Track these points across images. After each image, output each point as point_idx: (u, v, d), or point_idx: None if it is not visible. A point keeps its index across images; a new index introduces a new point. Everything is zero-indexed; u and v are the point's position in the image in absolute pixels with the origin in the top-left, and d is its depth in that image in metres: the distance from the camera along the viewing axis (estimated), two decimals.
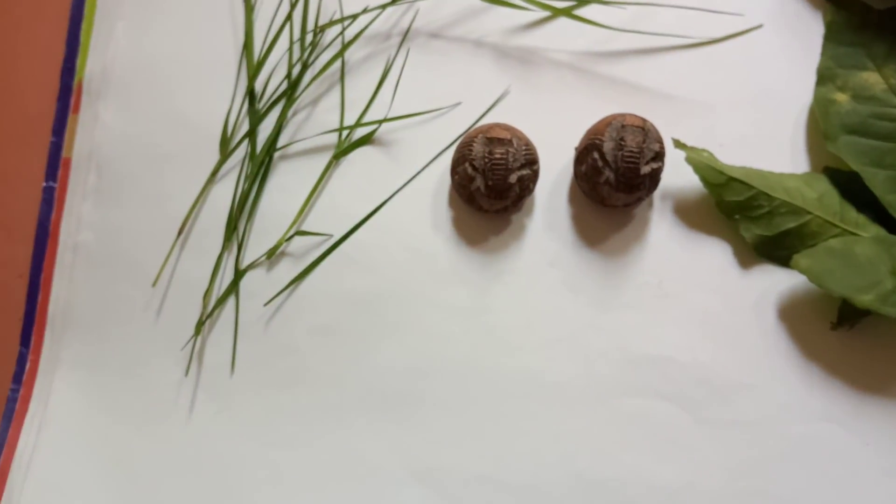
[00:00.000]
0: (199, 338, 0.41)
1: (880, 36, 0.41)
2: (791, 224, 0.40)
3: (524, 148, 0.40)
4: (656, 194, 0.42)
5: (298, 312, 0.41)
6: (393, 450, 0.40)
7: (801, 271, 0.39)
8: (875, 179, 0.40)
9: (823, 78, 0.42)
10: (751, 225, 0.41)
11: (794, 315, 0.41)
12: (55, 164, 0.43)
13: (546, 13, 0.44)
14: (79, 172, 0.43)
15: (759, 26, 0.44)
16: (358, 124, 0.43)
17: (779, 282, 0.41)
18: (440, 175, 0.43)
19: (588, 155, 0.40)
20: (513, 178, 0.40)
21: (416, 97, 0.43)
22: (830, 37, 0.42)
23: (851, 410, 0.40)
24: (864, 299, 0.38)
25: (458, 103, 0.43)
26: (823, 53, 0.42)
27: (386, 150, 0.43)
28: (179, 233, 0.42)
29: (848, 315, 0.40)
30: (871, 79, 0.41)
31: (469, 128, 0.43)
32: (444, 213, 0.43)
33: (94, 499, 0.38)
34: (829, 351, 0.41)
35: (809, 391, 0.40)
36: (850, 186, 0.41)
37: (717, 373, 0.41)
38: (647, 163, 0.39)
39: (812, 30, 0.43)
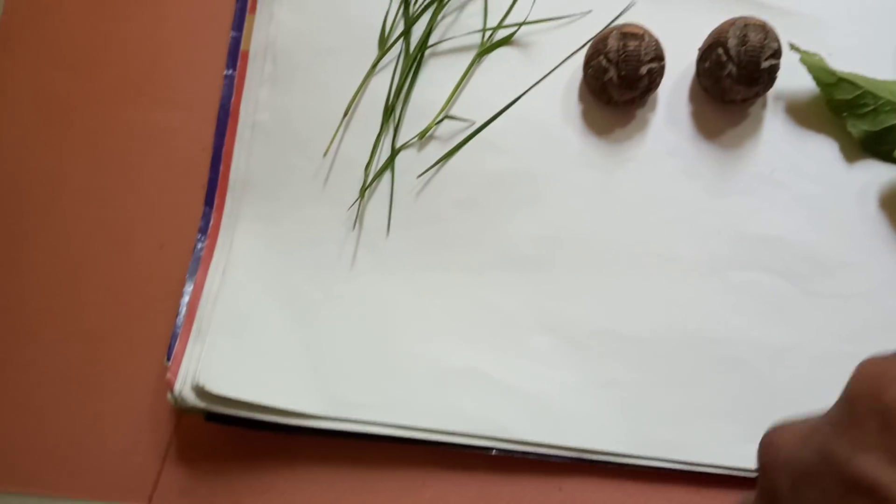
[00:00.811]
0: (361, 203, 0.46)
1: None
2: (894, 121, 0.44)
3: (654, 43, 0.44)
4: (770, 95, 0.46)
5: (444, 186, 0.46)
6: (525, 303, 0.44)
7: None
8: None
9: None
10: (857, 121, 0.44)
11: (892, 204, 0.44)
12: (235, 55, 0.49)
13: None
14: (256, 62, 0.49)
15: None
16: (499, 26, 0.48)
17: (881, 174, 0.45)
18: (572, 73, 0.48)
19: (713, 51, 0.44)
20: (643, 69, 0.44)
21: (552, 3, 0.48)
22: None
23: None
24: None
25: (589, 11, 0.48)
26: None
27: (524, 50, 0.48)
28: (345, 115, 0.47)
29: None
30: None
31: (598, 33, 0.47)
32: (574, 107, 0.47)
33: (271, 329, 0.44)
34: None
35: None
36: None
37: (821, 252, 0.44)
38: (766, 59, 0.43)
39: None
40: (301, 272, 0.45)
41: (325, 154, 0.47)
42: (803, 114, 0.46)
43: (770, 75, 0.44)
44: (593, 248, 0.45)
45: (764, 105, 0.46)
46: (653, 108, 0.47)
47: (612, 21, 0.47)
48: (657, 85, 0.45)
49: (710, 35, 0.45)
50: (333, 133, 0.47)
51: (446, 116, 0.47)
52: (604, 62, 0.44)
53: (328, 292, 0.45)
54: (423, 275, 0.45)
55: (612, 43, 0.44)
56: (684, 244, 0.45)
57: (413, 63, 0.48)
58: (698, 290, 0.44)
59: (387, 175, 0.47)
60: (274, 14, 0.49)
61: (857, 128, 0.44)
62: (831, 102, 0.44)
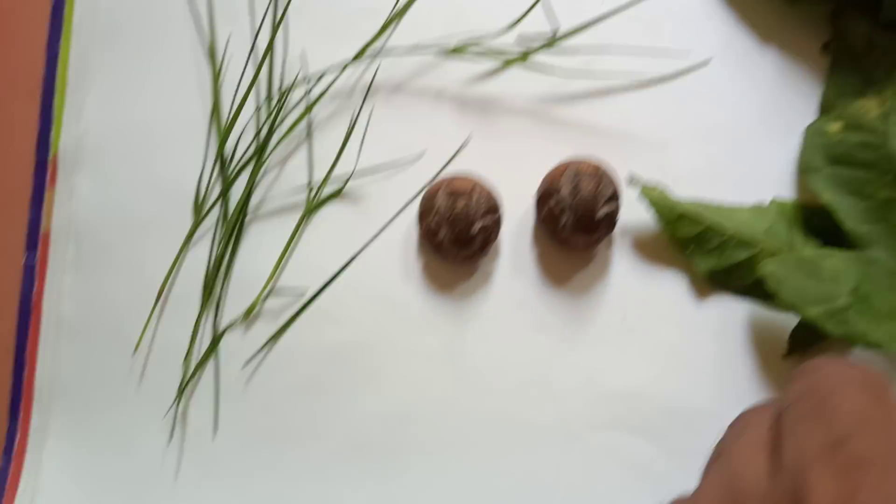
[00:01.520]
0: (182, 402, 0.41)
1: (885, 55, 0.41)
2: (742, 256, 0.41)
3: (486, 197, 0.41)
4: (616, 232, 0.43)
5: (277, 370, 0.42)
6: (373, 498, 0.40)
7: (764, 276, 0.38)
8: (853, 210, 0.40)
9: (824, 108, 0.42)
10: (704, 258, 0.41)
11: (752, 343, 0.42)
12: (34, 239, 0.44)
13: (501, 62, 0.45)
14: (58, 245, 0.43)
15: (707, 62, 0.44)
16: (326, 181, 0.43)
17: (735, 311, 0.42)
18: (408, 225, 0.44)
19: (546, 201, 0.41)
20: (475, 227, 0.40)
21: (382, 150, 0.44)
22: (836, 64, 0.42)
23: None
24: (812, 312, 0.37)
25: (423, 153, 0.44)
26: (827, 82, 0.42)
27: (355, 203, 0.44)
28: (158, 298, 0.42)
29: (797, 342, 0.41)
30: (868, 104, 0.41)
31: (434, 177, 0.44)
32: (413, 262, 0.43)
33: None
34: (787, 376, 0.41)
35: None
36: (803, 216, 0.42)
37: (681, 403, 0.41)
38: (602, 206, 0.40)
39: (758, 64, 0.44)
40: (120, 494, 0.40)
41: (135, 350, 0.42)
42: (651, 250, 0.43)
43: (609, 220, 0.41)
44: (445, 424, 0.41)
45: (611, 243, 0.43)
46: (496, 256, 0.43)
47: (443, 168, 0.44)
48: (495, 237, 0.42)
49: (543, 181, 0.42)
50: (146, 320, 0.42)
51: (273, 290, 0.42)
52: (434, 222, 0.41)
53: None
54: (258, 480, 0.40)
55: (441, 201, 0.40)
56: (540, 407, 0.41)
57: (233, 229, 0.43)
58: (559, 459, 0.41)
59: (211, 364, 0.42)
60: (75, 187, 0.44)
61: (704, 265, 0.41)
62: (675, 239, 0.41)
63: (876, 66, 0.41)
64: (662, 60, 0.44)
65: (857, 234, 0.40)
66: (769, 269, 0.39)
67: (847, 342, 0.40)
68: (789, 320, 0.42)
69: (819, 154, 0.41)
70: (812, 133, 0.42)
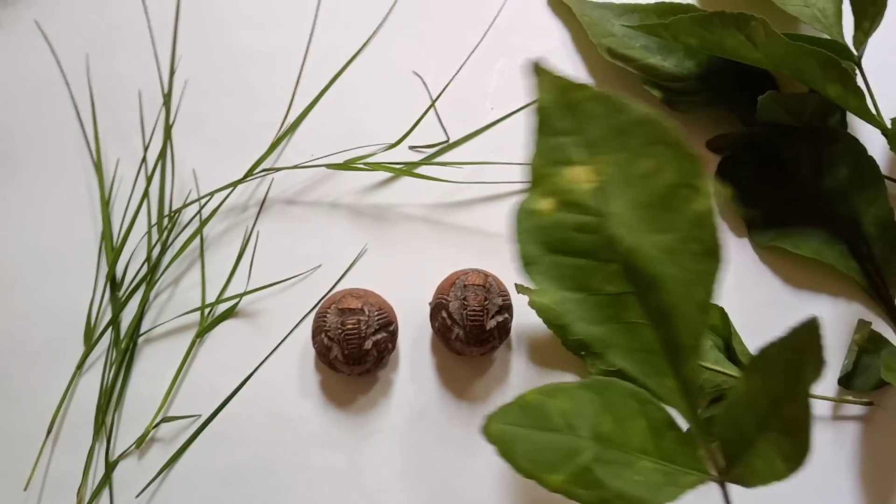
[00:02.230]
0: None
1: (594, 116, 0.31)
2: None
3: (377, 312, 0.41)
4: (514, 334, 0.43)
5: (173, 497, 0.41)
6: None
7: (490, 441, 0.31)
8: (581, 309, 0.32)
9: (534, 181, 0.32)
10: (596, 361, 0.42)
11: None
12: None
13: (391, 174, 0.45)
14: None
15: None
16: (219, 300, 0.43)
17: None
18: (305, 340, 0.43)
19: (438, 313, 0.41)
20: (368, 344, 0.40)
21: (277, 264, 0.44)
22: (540, 127, 0.32)
23: None
24: (554, 480, 0.30)
25: (318, 266, 0.44)
26: (535, 147, 0.32)
27: (249, 321, 0.43)
28: (49, 430, 0.41)
29: None
30: (581, 175, 0.31)
31: (328, 291, 0.44)
32: (311, 378, 0.43)
33: None
34: None
35: None
36: None
37: None
38: (492, 317, 0.40)
39: None
40: None
41: (27, 484, 0.41)
42: (547, 352, 0.43)
43: (501, 330, 0.41)
44: None
45: (509, 347, 0.43)
46: (395, 366, 0.43)
47: (340, 279, 0.44)
48: (390, 350, 0.41)
49: (435, 292, 0.42)
50: (38, 454, 0.41)
51: (165, 417, 0.42)
52: (326, 340, 0.40)
53: None
54: None
55: (332, 319, 0.40)
56: None
57: (125, 355, 0.42)
58: None
59: (105, 495, 0.41)
60: None
61: (597, 368, 0.42)
62: (567, 343, 0.42)
63: (587, 124, 0.32)
64: None
65: (592, 339, 0.32)
66: (493, 430, 0.31)
67: None
68: None
69: (533, 240, 0.32)
70: (522, 214, 0.32)
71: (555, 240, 0.32)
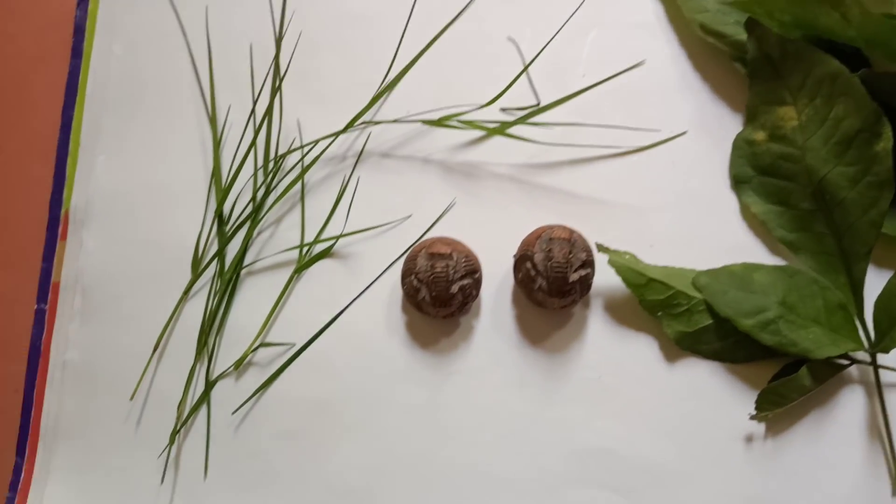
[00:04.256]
0: (175, 446, 0.44)
1: (797, 67, 0.43)
2: (709, 320, 0.43)
3: (464, 260, 0.43)
4: (592, 293, 0.45)
5: (265, 418, 0.44)
6: None
7: (699, 288, 0.42)
8: (781, 219, 0.43)
9: (749, 116, 0.44)
10: (672, 321, 0.43)
11: (721, 404, 0.43)
12: (45, 288, 0.47)
13: (485, 132, 0.47)
14: (66, 295, 0.46)
15: (684, 133, 0.46)
16: (317, 240, 0.46)
17: (705, 373, 0.43)
18: (393, 283, 0.46)
19: (523, 264, 0.43)
20: (454, 288, 0.42)
21: (370, 212, 0.47)
22: (754, 73, 0.44)
23: (782, 495, 0.42)
24: (746, 323, 0.41)
25: (409, 216, 0.47)
26: (750, 91, 0.44)
27: (344, 262, 0.46)
28: (155, 348, 0.45)
29: (765, 403, 0.42)
30: (787, 114, 0.43)
31: (418, 238, 0.46)
32: (397, 319, 0.45)
33: None
34: (756, 437, 0.42)
35: (741, 477, 0.42)
36: None
37: (656, 462, 0.43)
38: (575, 271, 0.42)
39: (731, 134, 0.46)
40: None
41: (132, 396, 0.44)
42: (623, 312, 0.45)
43: (583, 284, 0.42)
44: (422, 476, 0.43)
45: (587, 304, 0.45)
46: (476, 314, 0.45)
47: (428, 230, 0.46)
48: (474, 297, 0.44)
49: (520, 245, 0.44)
50: (144, 368, 0.45)
51: (263, 343, 0.45)
52: (415, 282, 0.43)
53: None
54: None
55: (421, 263, 0.43)
56: (517, 462, 0.43)
57: (228, 285, 0.46)
58: None
59: (203, 411, 0.44)
60: (84, 242, 0.47)
61: (673, 328, 0.43)
62: (644, 303, 0.43)
63: (791, 73, 0.43)
64: (639, 131, 0.47)
65: (787, 242, 0.43)
66: (703, 281, 0.42)
67: (780, 352, 0.41)
68: (757, 381, 0.43)
69: (747, 164, 0.44)
70: (740, 143, 0.44)
71: (765, 165, 0.43)
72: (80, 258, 0.47)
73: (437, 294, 0.42)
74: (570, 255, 0.42)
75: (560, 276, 0.41)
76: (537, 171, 0.47)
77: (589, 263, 0.42)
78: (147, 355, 0.45)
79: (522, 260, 0.43)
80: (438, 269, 0.42)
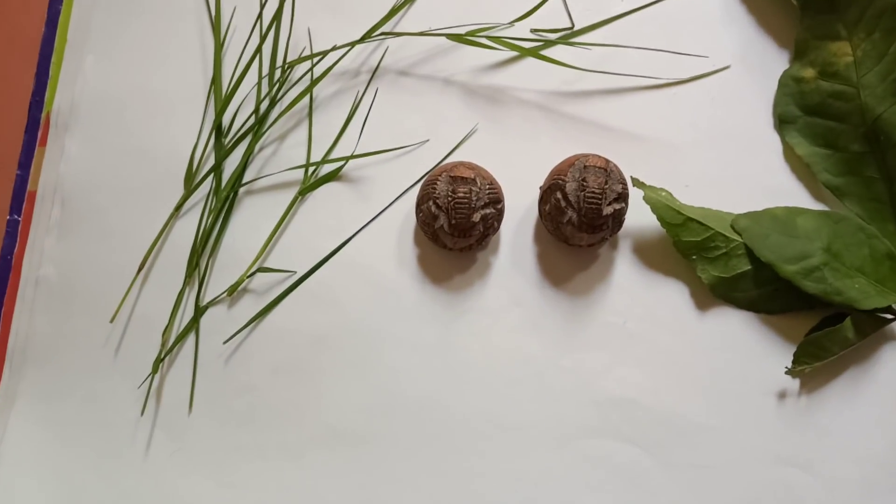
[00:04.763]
0: (158, 375, 0.40)
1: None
2: (747, 266, 0.39)
3: (488, 186, 0.39)
4: (621, 233, 0.42)
5: (259, 350, 0.40)
6: (350, 488, 0.38)
7: (738, 230, 0.39)
8: (827, 162, 0.40)
9: (798, 51, 0.41)
10: (707, 266, 0.40)
11: (754, 357, 0.40)
12: (20, 198, 0.42)
13: (513, 53, 0.43)
14: (43, 206, 0.42)
15: (727, 67, 0.43)
16: (325, 160, 0.42)
17: (738, 323, 0.40)
18: (406, 212, 0.42)
19: (552, 195, 0.39)
20: (476, 216, 0.39)
21: (384, 134, 0.43)
22: (806, 5, 0.40)
23: (815, 456, 0.39)
24: (788, 269, 0.38)
25: (426, 140, 0.43)
26: (800, 24, 0.41)
27: (352, 186, 0.42)
28: (140, 268, 0.41)
29: (802, 357, 0.39)
30: (840, 50, 0.40)
31: (436, 165, 0.42)
32: (409, 250, 0.42)
33: None
34: (790, 393, 0.40)
35: (772, 434, 0.39)
36: None
37: (680, 414, 0.39)
38: (609, 203, 0.38)
39: (778, 70, 0.43)
40: (85, 462, 0.38)
41: (112, 318, 0.40)
42: (654, 255, 0.41)
43: (616, 219, 0.39)
44: (428, 418, 0.39)
45: (615, 244, 0.41)
46: (495, 250, 0.42)
47: (447, 156, 0.42)
48: (495, 230, 0.40)
49: (549, 174, 0.40)
50: (127, 289, 0.40)
51: (261, 268, 0.41)
52: (433, 208, 0.39)
53: (116, 487, 0.38)
54: (231, 461, 0.39)
55: (441, 187, 0.39)
56: (531, 410, 0.40)
57: (224, 203, 0.41)
58: (547, 464, 0.39)
59: (190, 339, 0.40)
60: (66, 148, 0.42)
61: (708, 273, 0.40)
62: (679, 244, 0.40)
63: (847, 6, 0.40)
64: (679, 64, 0.43)
65: (832, 187, 0.40)
66: (743, 223, 0.39)
67: (823, 301, 0.39)
68: (793, 335, 0.40)
69: (794, 103, 0.41)
70: (786, 80, 0.41)
71: (813, 104, 0.40)
72: (60, 166, 0.42)
73: (458, 222, 0.38)
74: (606, 186, 0.38)
75: (593, 208, 0.38)
76: (567, 99, 0.43)
77: (623, 197, 0.39)
78: (131, 275, 0.41)
79: (552, 190, 0.39)
80: (460, 195, 0.38)
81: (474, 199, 0.39)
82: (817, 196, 0.41)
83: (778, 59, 0.43)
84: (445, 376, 0.40)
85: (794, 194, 0.41)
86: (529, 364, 0.40)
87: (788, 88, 0.41)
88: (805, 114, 0.41)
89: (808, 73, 0.41)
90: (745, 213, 0.40)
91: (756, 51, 0.43)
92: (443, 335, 0.40)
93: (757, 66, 0.43)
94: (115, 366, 0.40)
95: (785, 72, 0.42)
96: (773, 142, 0.42)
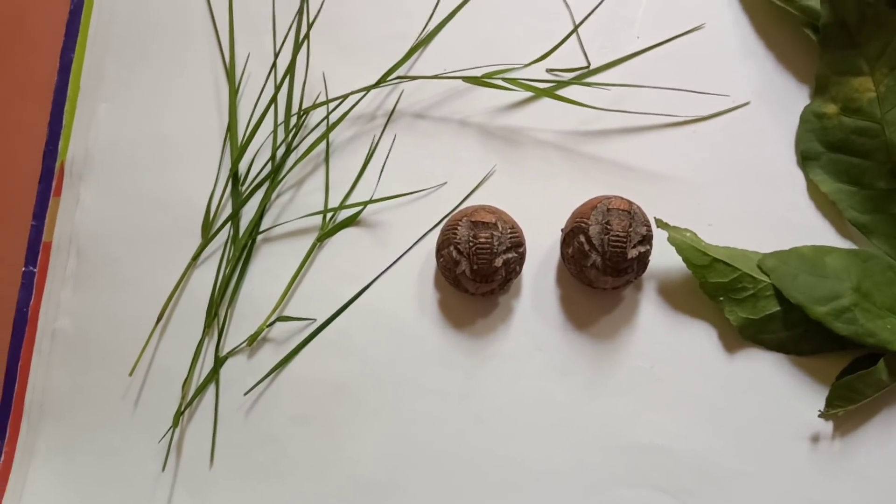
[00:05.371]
0: (178, 428, 0.39)
1: (876, 34, 0.39)
2: (776, 307, 0.39)
3: (510, 231, 0.39)
4: (645, 275, 0.41)
5: (279, 400, 0.39)
6: None
7: (766, 271, 0.39)
8: (852, 199, 0.39)
9: (819, 87, 0.40)
10: (735, 307, 0.39)
11: (785, 399, 0.39)
12: (35, 249, 0.42)
13: (530, 94, 0.43)
14: (59, 257, 0.41)
15: (746, 104, 0.43)
16: (342, 206, 0.41)
17: (768, 365, 0.40)
18: (426, 256, 0.41)
19: (574, 238, 0.38)
20: (498, 261, 0.38)
21: (401, 178, 0.42)
22: (826, 41, 0.40)
23: (850, 500, 0.38)
24: (819, 311, 0.37)
25: (444, 183, 0.42)
26: (821, 59, 0.40)
27: (371, 231, 0.42)
28: (159, 319, 0.40)
29: (836, 399, 0.38)
30: (863, 85, 0.39)
31: (455, 208, 0.42)
32: (429, 295, 0.41)
33: None
34: (823, 436, 0.39)
35: (806, 480, 0.38)
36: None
37: (712, 461, 0.39)
38: (634, 246, 0.38)
39: (798, 105, 0.42)
40: None
41: (132, 371, 0.39)
42: (679, 297, 0.40)
43: (641, 262, 0.38)
44: (453, 469, 0.39)
45: (640, 286, 0.41)
46: (517, 293, 0.41)
47: (465, 199, 0.42)
48: (517, 274, 0.39)
49: (571, 216, 0.39)
50: (145, 341, 0.40)
51: (281, 317, 0.40)
52: (454, 254, 0.38)
53: None
54: None
55: (462, 232, 0.38)
56: (559, 458, 0.39)
57: (242, 251, 0.41)
58: None
59: (210, 390, 0.39)
60: (81, 197, 0.42)
61: (736, 314, 0.39)
62: (706, 286, 0.39)
63: (868, 41, 0.39)
64: (697, 100, 0.43)
65: (859, 224, 0.39)
66: (770, 263, 0.38)
67: (855, 342, 0.38)
68: (824, 376, 0.39)
69: (816, 139, 0.40)
70: (808, 116, 0.40)
71: (836, 140, 0.40)
72: (75, 216, 0.42)
73: (480, 267, 0.38)
74: (630, 229, 0.37)
75: (618, 252, 0.37)
76: (586, 139, 0.42)
77: (648, 239, 0.38)
78: (149, 327, 0.40)
79: (574, 233, 0.38)
80: (482, 240, 0.38)
81: (496, 243, 0.38)
82: (843, 233, 0.41)
83: (798, 94, 0.42)
84: (470, 424, 0.39)
85: (819, 232, 0.41)
86: (555, 410, 0.39)
87: (810, 125, 0.41)
88: (828, 150, 0.40)
89: (831, 108, 0.40)
90: (771, 253, 0.39)
91: (776, 87, 0.43)
92: (466, 382, 0.40)
93: (777, 102, 0.42)
94: (135, 419, 0.39)
95: (806, 107, 0.41)
96: (797, 179, 0.42)
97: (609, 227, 0.37)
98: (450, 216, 0.41)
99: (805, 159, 0.41)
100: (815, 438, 0.39)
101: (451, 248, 0.38)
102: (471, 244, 0.38)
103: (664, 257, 0.41)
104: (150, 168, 0.42)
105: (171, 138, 0.42)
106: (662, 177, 0.42)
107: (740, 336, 0.39)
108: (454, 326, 0.40)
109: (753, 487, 0.38)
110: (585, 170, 0.42)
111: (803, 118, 0.41)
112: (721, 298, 0.39)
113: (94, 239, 0.41)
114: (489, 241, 0.38)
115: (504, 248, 0.38)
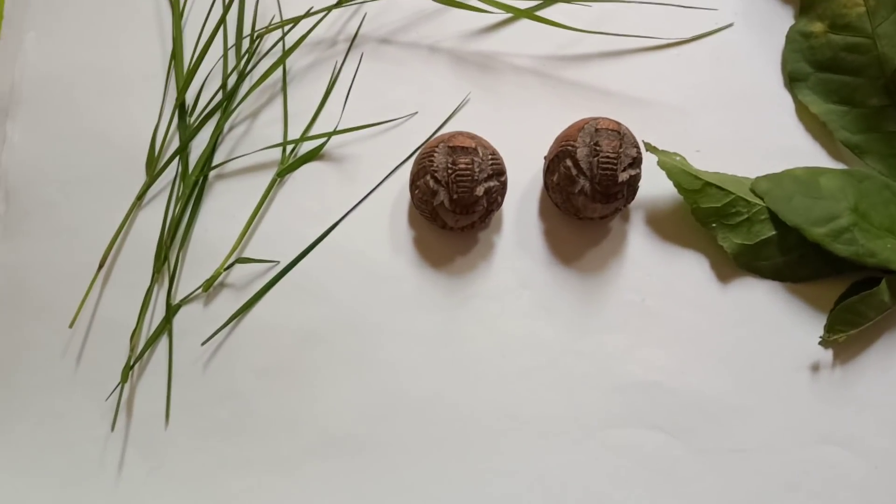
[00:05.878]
0: (128, 385, 0.35)
1: None
2: (771, 231, 0.37)
3: (490, 157, 0.36)
4: (633, 205, 0.38)
5: (241, 351, 0.36)
6: (352, 502, 0.34)
7: (759, 193, 0.37)
8: (844, 119, 0.38)
9: (805, 5, 0.39)
10: (729, 233, 0.37)
11: (783, 329, 0.37)
12: None
13: (505, 15, 0.40)
14: None
15: (730, 25, 0.40)
16: (304, 138, 0.38)
17: (764, 294, 0.37)
18: (398, 191, 0.38)
19: (560, 163, 0.36)
20: (479, 190, 0.35)
21: (368, 107, 0.39)
22: None
23: (855, 430, 0.36)
24: (817, 232, 0.36)
25: (415, 113, 0.39)
26: None
27: (336, 165, 0.38)
28: (101, 266, 0.36)
29: (835, 325, 0.36)
30: (851, 0, 0.37)
31: (427, 139, 0.38)
32: (404, 233, 0.38)
33: None
34: (823, 365, 0.37)
35: (808, 411, 0.36)
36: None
37: (708, 396, 0.36)
38: (624, 169, 0.35)
39: (784, 25, 0.40)
40: (48, 490, 0.33)
41: (72, 323, 0.35)
42: (669, 225, 0.38)
43: (630, 187, 0.36)
44: (435, 419, 0.36)
45: (627, 217, 0.38)
46: (498, 228, 0.38)
47: (439, 128, 0.38)
48: (498, 205, 0.36)
49: (556, 141, 0.37)
50: (86, 291, 0.36)
51: (239, 258, 0.36)
52: (431, 183, 0.35)
53: None
54: (216, 479, 0.34)
55: (440, 159, 0.35)
56: (549, 401, 0.36)
57: (193, 189, 0.37)
58: (571, 459, 0.35)
59: (162, 342, 0.35)
60: (7, 135, 0.37)
61: (730, 241, 0.37)
62: (698, 211, 0.37)
63: None
64: (680, 23, 0.40)
65: (851, 145, 0.37)
66: (763, 186, 0.37)
67: (855, 264, 0.36)
68: (821, 303, 0.37)
69: (804, 59, 0.38)
70: (794, 36, 0.39)
71: (825, 59, 0.38)
72: (1, 156, 0.37)
73: (460, 196, 0.35)
74: (621, 150, 0.35)
75: (608, 174, 0.34)
76: (565, 64, 0.40)
77: (638, 162, 0.36)
78: (90, 274, 0.36)
79: (560, 158, 0.36)
80: (462, 166, 0.35)
81: (477, 170, 0.35)
82: (835, 155, 0.39)
83: (783, 14, 0.40)
84: (452, 370, 0.36)
85: (810, 154, 0.39)
86: (543, 351, 0.36)
87: (797, 44, 0.39)
88: (817, 70, 0.38)
89: (818, 27, 0.38)
90: (764, 176, 0.37)
91: (759, 7, 0.40)
92: (446, 325, 0.37)
93: (761, 23, 0.40)
94: (78, 377, 0.35)
95: (792, 27, 0.39)
96: (785, 101, 0.40)
97: (598, 148, 0.35)
98: (425, 144, 0.37)
99: (793, 80, 0.39)
100: (816, 367, 0.37)
101: (428, 176, 0.35)
102: (450, 171, 0.35)
103: (651, 185, 0.38)
104: (86, 101, 0.38)
105: (109, 68, 0.38)
106: (647, 102, 0.39)
107: (735, 263, 0.37)
108: (431, 265, 0.37)
109: (754, 421, 0.36)
110: (566, 96, 0.39)
111: (789, 38, 0.39)
112: (714, 225, 0.37)
113: (25, 181, 0.37)
114: (469, 167, 0.35)
115: (485, 175, 0.35)
